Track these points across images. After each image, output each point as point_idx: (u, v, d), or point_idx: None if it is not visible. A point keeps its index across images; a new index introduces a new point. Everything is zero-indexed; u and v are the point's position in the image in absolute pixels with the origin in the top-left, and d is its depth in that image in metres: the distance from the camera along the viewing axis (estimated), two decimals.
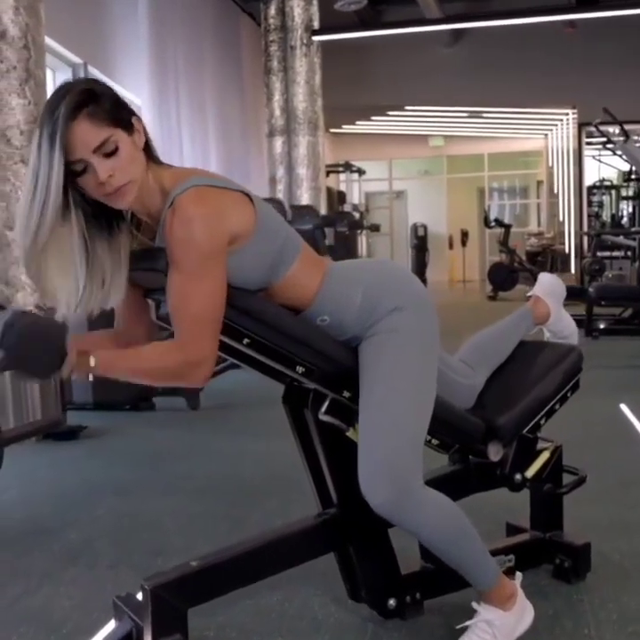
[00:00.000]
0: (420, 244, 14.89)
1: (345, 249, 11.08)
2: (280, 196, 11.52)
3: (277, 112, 11.83)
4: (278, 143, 11.83)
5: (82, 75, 7.88)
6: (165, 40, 9.11)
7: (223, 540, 2.31)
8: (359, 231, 13.17)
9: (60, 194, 1.60)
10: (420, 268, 14.30)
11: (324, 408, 1.90)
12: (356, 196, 17.32)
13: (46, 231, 1.61)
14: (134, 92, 8.90)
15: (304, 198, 11.56)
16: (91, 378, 1.70)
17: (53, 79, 7.99)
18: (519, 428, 2.13)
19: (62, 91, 1.61)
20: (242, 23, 12.33)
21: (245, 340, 1.77)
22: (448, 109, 15.68)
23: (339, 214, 11.35)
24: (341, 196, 15.83)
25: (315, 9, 11.40)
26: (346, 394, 1.89)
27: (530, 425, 2.15)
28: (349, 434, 1.91)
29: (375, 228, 14.71)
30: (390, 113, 16.14)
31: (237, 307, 1.74)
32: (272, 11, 11.63)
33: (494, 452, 2.09)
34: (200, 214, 1.63)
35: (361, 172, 16.71)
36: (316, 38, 11.35)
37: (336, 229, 11.60)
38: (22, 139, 4.18)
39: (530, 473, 2.15)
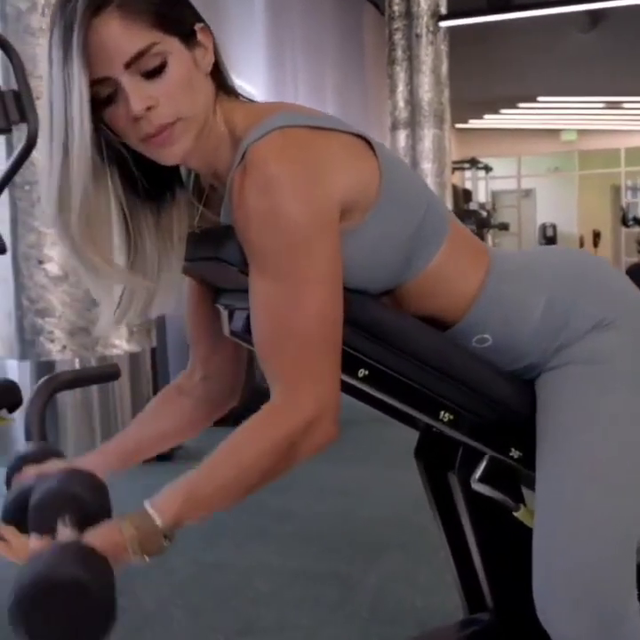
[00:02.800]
0: (549, 245, 13.99)
1: None
2: None
3: (401, 104, 11.13)
4: (402, 136, 11.14)
5: None
6: (283, 31, 8.66)
7: (328, 615, 1.68)
8: (486, 230, 12.39)
9: (88, 129, 0.99)
10: None
11: (479, 473, 1.25)
12: (482, 194, 16.52)
13: (77, 190, 1.01)
14: (251, 83, 8.47)
15: None
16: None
17: None
18: None
19: None
20: (365, 12, 11.74)
21: (361, 372, 1.14)
22: (583, 100, 14.68)
23: (465, 212, 10.58)
24: (467, 194, 15.04)
25: None
26: (515, 453, 1.24)
27: None
28: (519, 514, 1.25)
29: (504, 227, 13.90)
30: (521, 105, 15.22)
31: (350, 320, 1.11)
32: None
33: None
34: (287, 173, 1.00)
35: (488, 168, 15.87)
36: (442, 24, 10.62)
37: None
38: None
39: None
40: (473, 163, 15.24)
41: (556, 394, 1.18)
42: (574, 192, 17.78)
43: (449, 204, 10.96)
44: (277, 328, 1.02)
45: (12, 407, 2.78)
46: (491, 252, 1.24)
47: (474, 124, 16.02)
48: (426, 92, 10.85)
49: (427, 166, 10.91)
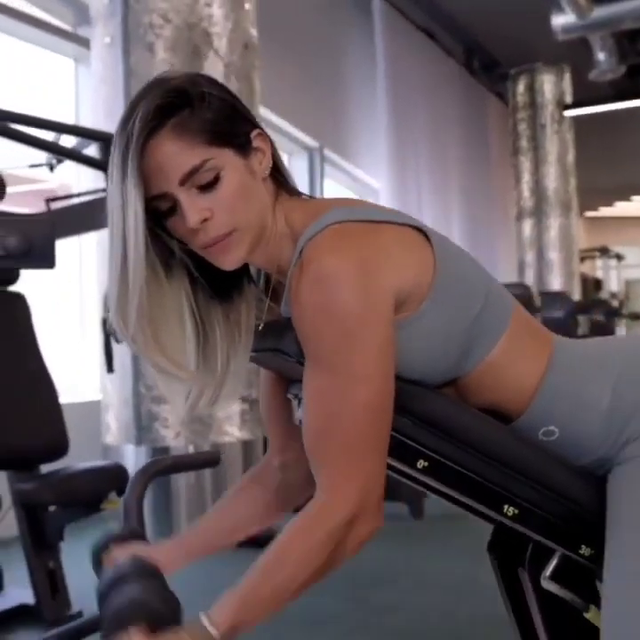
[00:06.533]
0: None
1: None
2: (529, 281, 10.73)
3: (527, 193, 11.10)
4: (528, 226, 11.08)
5: (317, 161, 7.71)
6: (405, 123, 8.80)
7: None
8: (617, 319, 12.04)
9: (142, 242, 1.06)
10: None
11: (549, 571, 1.21)
12: (614, 283, 16.11)
13: (134, 297, 1.07)
14: (373, 176, 8.64)
15: (555, 284, 10.69)
16: None
17: (289, 164, 7.88)
18: None
19: (144, 91, 1.10)
20: (489, 103, 11.86)
21: (420, 463, 1.13)
22: None
23: (593, 301, 10.35)
24: (597, 283, 14.73)
25: (567, 83, 10.72)
26: (585, 551, 1.19)
27: None
28: (589, 616, 1.19)
29: (636, 317, 13.46)
30: None
31: (409, 411, 1.11)
32: (520, 88, 11.04)
33: None
34: (341, 268, 1.02)
35: (620, 257, 15.52)
36: (567, 113, 10.62)
37: (591, 318, 10.64)
38: None
39: None
40: (603, 251, 14.94)
41: (621, 491, 1.13)
42: None
43: (577, 294, 10.74)
44: (325, 420, 1.03)
45: (121, 491, 2.87)
46: (556, 341, 1.21)
47: (604, 212, 15.76)
48: (551, 181, 10.81)
49: (553, 256, 10.78)
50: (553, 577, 1.20)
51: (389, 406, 1.05)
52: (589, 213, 15.11)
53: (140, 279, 1.06)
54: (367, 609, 3.00)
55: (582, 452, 1.17)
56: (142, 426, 3.93)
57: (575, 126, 11.05)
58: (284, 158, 7.81)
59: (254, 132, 1.14)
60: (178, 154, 1.06)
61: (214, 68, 3.91)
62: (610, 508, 1.15)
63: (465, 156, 10.50)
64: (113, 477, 2.80)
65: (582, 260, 13.84)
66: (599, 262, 15.91)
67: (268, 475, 1.37)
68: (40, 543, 2.97)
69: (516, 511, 1.16)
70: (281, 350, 1.11)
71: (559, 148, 10.81)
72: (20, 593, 3.03)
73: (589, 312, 9.83)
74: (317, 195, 7.74)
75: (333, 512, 1.01)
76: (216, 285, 1.19)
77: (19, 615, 2.95)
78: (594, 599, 1.19)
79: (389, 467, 1.14)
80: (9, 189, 2.89)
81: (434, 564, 3.55)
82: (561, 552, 1.20)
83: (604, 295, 13.66)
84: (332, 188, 8.34)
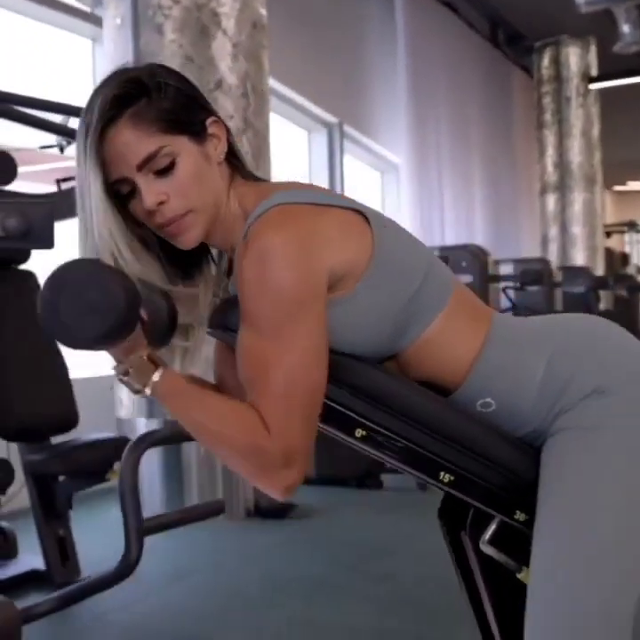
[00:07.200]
0: None
1: (624, 316, 10.01)
2: (552, 256, 10.70)
3: (550, 168, 11.05)
4: (551, 201, 11.03)
5: (337, 137, 7.73)
6: (426, 98, 8.79)
7: None
8: None
9: (103, 221, 1.15)
10: None
11: (488, 535, 1.27)
12: None
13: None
14: (393, 151, 8.65)
15: (579, 259, 10.65)
16: (140, 395, 1.17)
17: (308, 141, 7.92)
18: None
19: (104, 82, 1.18)
20: (514, 77, 11.78)
21: (358, 432, 1.20)
22: None
23: (616, 276, 10.29)
24: (625, 258, 14.59)
25: (592, 55, 10.61)
26: (520, 516, 1.26)
27: None
28: (521, 576, 1.26)
29: None
30: None
31: (347, 383, 1.18)
32: (545, 61, 10.95)
33: None
34: (280, 244, 1.09)
35: None
36: (593, 86, 10.53)
37: (615, 293, 10.57)
38: None
39: None
40: (631, 226, 14.81)
41: (552, 460, 1.20)
42: None
43: (600, 269, 10.68)
44: (257, 378, 1.11)
45: None
46: (496, 318, 1.27)
47: (633, 186, 15.59)
48: (576, 155, 10.74)
49: (577, 230, 10.73)
50: (491, 541, 1.27)
51: (321, 376, 1.12)
52: (617, 187, 14.95)
53: (105, 256, 1.15)
54: (367, 578, 3.10)
55: (519, 423, 1.24)
56: (153, 399, 4.02)
57: (601, 99, 10.95)
58: (303, 135, 7.85)
59: (210, 120, 1.21)
60: (135, 142, 1.14)
61: (222, 48, 3.96)
62: (541, 476, 1.21)
63: (488, 131, 10.46)
64: (117, 449, 2.89)
65: (609, 234, 13.73)
66: (626, 237, 15.76)
67: None
68: (50, 512, 3.10)
69: (452, 478, 1.23)
70: (227, 326, 1.19)
71: (584, 122, 10.73)
72: (32, 559, 3.17)
73: (611, 287, 9.77)
74: (337, 171, 7.78)
75: (269, 441, 1.09)
76: (178, 264, 1.27)
77: (31, 580, 3.09)
78: (527, 561, 1.25)
79: (333, 434, 1.22)
80: (34, 167, 2.96)
81: (436, 536, 3.63)
82: (500, 518, 1.27)
83: (630, 270, 13.54)
84: (352, 164, 8.37)
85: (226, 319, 1.20)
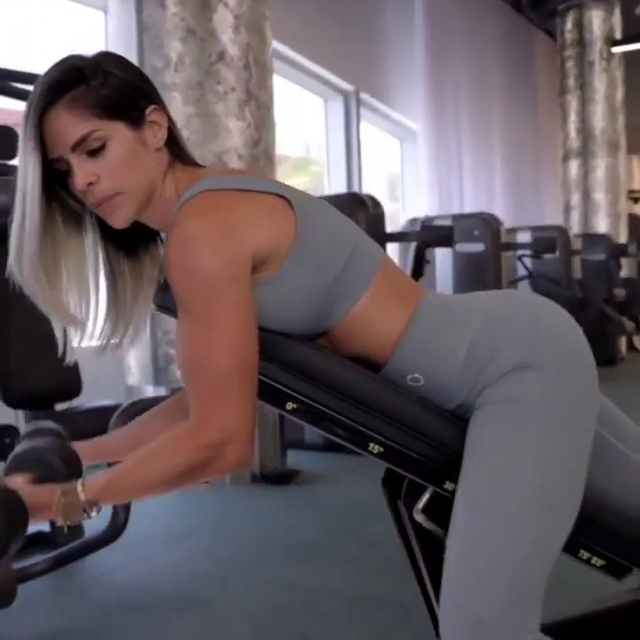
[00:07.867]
0: None
1: None
2: (574, 224, 10.63)
3: (573, 134, 10.94)
4: (574, 167, 10.94)
5: (353, 104, 7.73)
6: (445, 63, 8.74)
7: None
8: None
9: (38, 200, 1.22)
10: None
11: (421, 504, 1.34)
12: None
13: (30, 246, 1.23)
14: (410, 117, 8.63)
15: (601, 226, 10.57)
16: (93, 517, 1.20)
17: (324, 109, 7.92)
18: None
19: (51, 68, 1.25)
20: (537, 41, 11.64)
21: (289, 405, 1.27)
22: None
23: (638, 243, 10.21)
24: None
25: (616, 18, 10.46)
26: (449, 486, 1.32)
27: None
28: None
29: None
30: None
31: (276, 358, 1.25)
32: (568, 25, 10.80)
33: None
34: (201, 231, 1.16)
35: None
36: (616, 49, 10.38)
37: (638, 260, 10.50)
38: (240, 164, 3.96)
39: None
40: None
41: (476, 432, 1.25)
42: None
43: (623, 236, 10.59)
44: (194, 363, 1.18)
45: None
46: (424, 296, 1.33)
47: None
48: (599, 120, 10.63)
49: (599, 197, 10.64)
50: (424, 510, 1.34)
51: (251, 352, 1.18)
52: None
53: (34, 231, 1.22)
54: (352, 542, 3.18)
55: (446, 397, 1.29)
56: (159, 367, 4.14)
57: (625, 64, 10.79)
58: (319, 103, 7.84)
59: (150, 108, 1.27)
60: (69, 124, 1.21)
61: (224, 19, 3.99)
62: (466, 448, 1.28)
63: (509, 98, 10.37)
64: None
65: (636, 200, 13.57)
66: None
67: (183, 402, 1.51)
68: None
69: (381, 449, 1.29)
70: (164, 306, 1.26)
71: (607, 86, 10.59)
72: None
73: (633, 254, 9.70)
74: (353, 139, 7.79)
75: (199, 437, 1.16)
76: (123, 241, 1.35)
77: (36, 542, 3.20)
78: None
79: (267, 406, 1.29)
80: None
81: None
82: (432, 488, 1.33)
83: None
84: (370, 131, 8.36)
85: (165, 299, 1.28)
